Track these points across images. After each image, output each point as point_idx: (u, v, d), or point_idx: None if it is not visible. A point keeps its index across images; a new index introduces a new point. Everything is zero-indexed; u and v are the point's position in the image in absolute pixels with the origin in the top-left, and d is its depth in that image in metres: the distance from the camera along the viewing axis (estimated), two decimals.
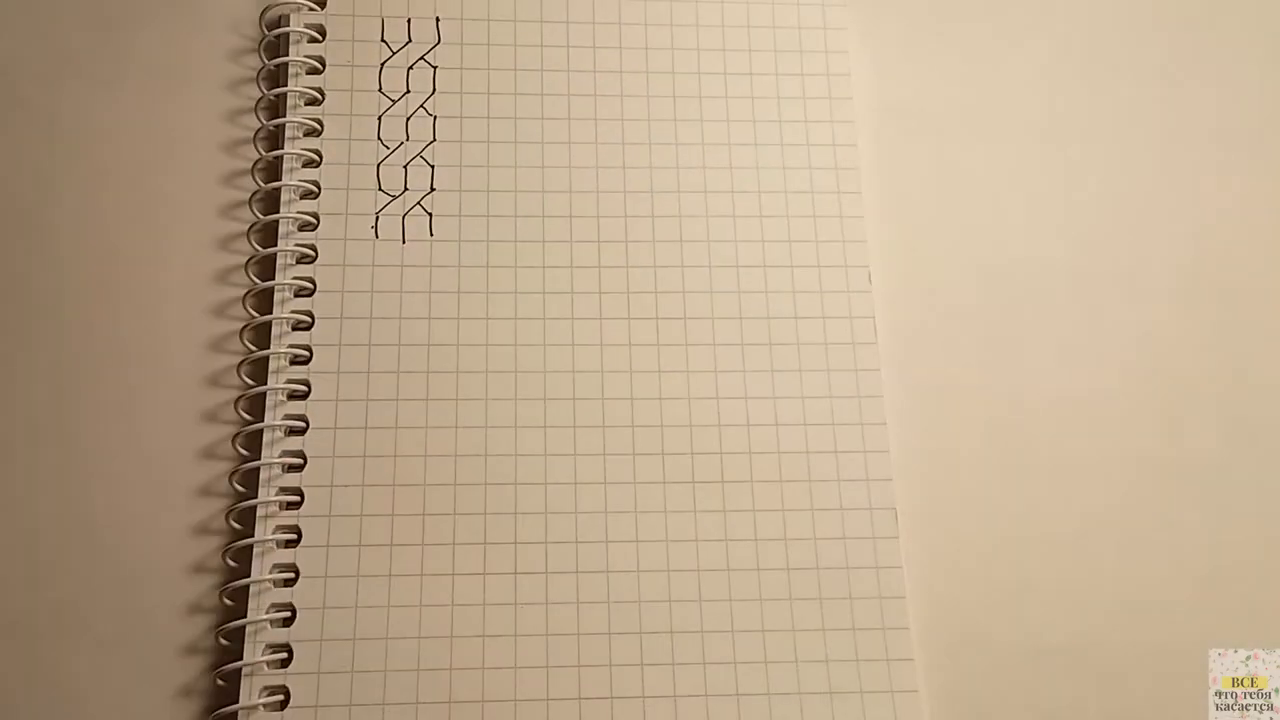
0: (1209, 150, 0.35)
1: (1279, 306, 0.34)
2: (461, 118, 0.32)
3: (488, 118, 0.32)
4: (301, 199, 0.31)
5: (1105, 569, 0.31)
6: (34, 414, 0.30)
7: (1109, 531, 0.31)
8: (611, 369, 0.31)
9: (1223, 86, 0.36)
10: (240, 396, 0.30)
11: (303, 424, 0.30)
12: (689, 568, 0.29)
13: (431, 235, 0.31)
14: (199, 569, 0.29)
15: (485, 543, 0.29)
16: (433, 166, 0.32)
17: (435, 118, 0.32)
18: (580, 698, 0.28)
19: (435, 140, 0.32)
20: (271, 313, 0.30)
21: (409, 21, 0.33)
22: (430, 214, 0.32)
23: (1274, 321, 0.34)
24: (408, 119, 0.32)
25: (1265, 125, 0.36)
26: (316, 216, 0.31)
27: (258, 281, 0.31)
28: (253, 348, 0.30)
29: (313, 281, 0.31)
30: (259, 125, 0.32)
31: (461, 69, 0.33)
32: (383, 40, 0.33)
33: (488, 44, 0.33)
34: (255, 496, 0.29)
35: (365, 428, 0.30)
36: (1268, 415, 0.33)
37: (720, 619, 0.29)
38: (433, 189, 0.32)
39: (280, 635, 0.28)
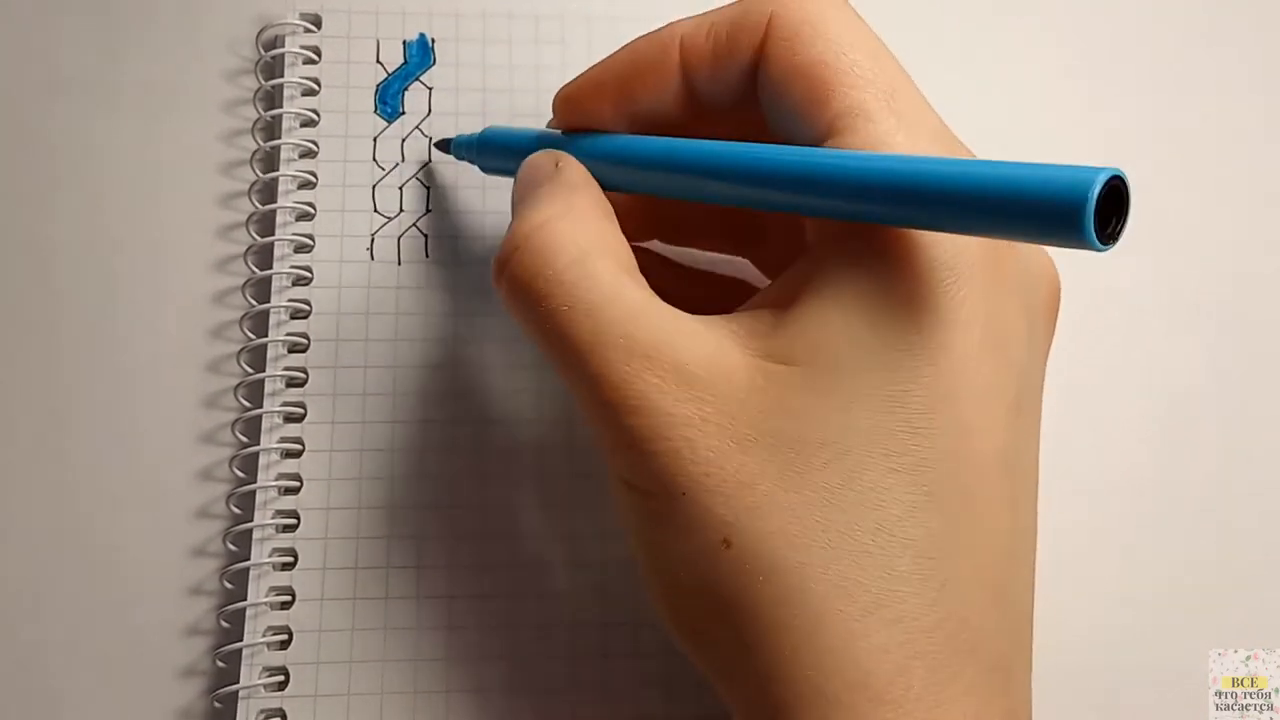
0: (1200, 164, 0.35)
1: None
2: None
3: None
4: (297, 220, 0.31)
5: (1104, 568, 0.31)
6: (29, 434, 0.30)
7: (1108, 530, 0.31)
8: None
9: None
10: (237, 419, 0.30)
11: (299, 446, 0.30)
12: None
13: (427, 256, 0.32)
14: (196, 591, 0.29)
15: (481, 565, 0.29)
16: (429, 188, 0.32)
17: (430, 139, 0.32)
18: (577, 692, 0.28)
19: (431, 161, 0.32)
20: (267, 335, 0.30)
21: (404, 43, 0.33)
22: (426, 235, 0.32)
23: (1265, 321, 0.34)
24: (403, 140, 0.32)
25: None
26: (312, 238, 0.31)
27: (254, 304, 0.31)
28: (249, 370, 0.30)
29: (309, 304, 0.31)
30: (255, 147, 0.32)
31: (457, 89, 0.33)
32: (378, 62, 0.33)
33: (483, 66, 0.33)
34: (252, 520, 0.29)
35: (361, 450, 0.30)
36: (1268, 413, 0.33)
37: None
38: (428, 210, 0.32)
39: (277, 658, 0.28)
